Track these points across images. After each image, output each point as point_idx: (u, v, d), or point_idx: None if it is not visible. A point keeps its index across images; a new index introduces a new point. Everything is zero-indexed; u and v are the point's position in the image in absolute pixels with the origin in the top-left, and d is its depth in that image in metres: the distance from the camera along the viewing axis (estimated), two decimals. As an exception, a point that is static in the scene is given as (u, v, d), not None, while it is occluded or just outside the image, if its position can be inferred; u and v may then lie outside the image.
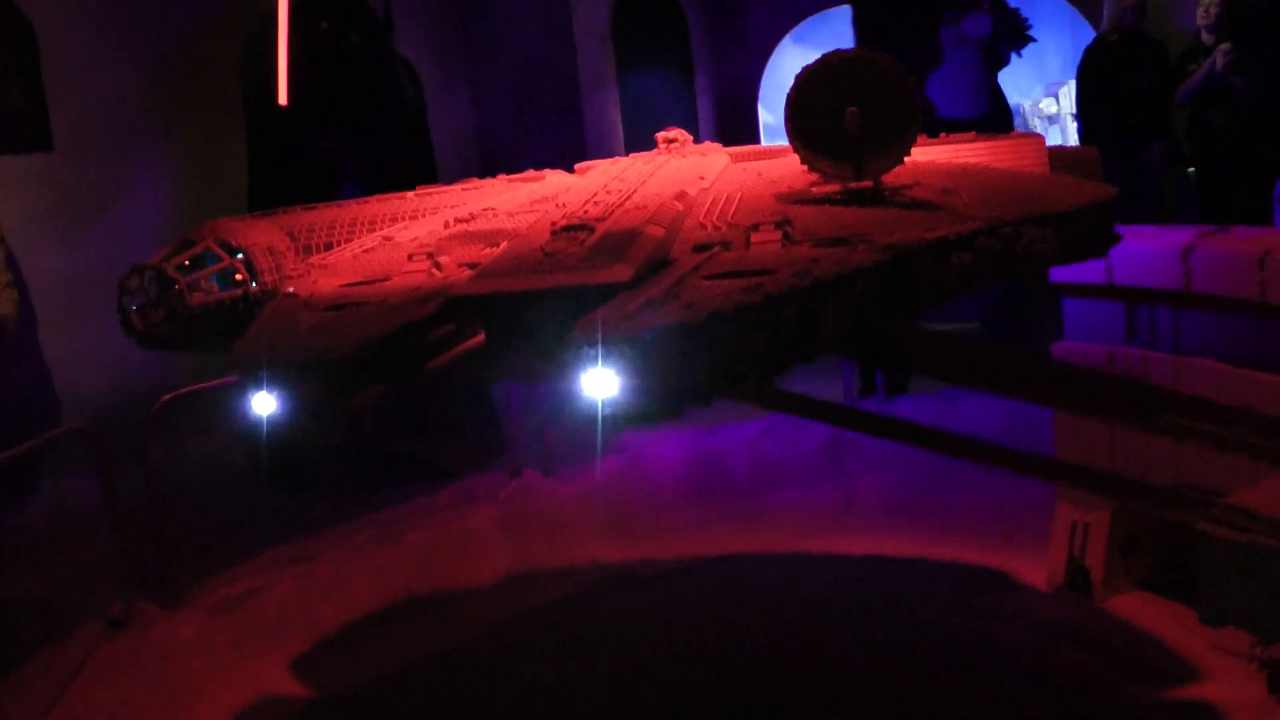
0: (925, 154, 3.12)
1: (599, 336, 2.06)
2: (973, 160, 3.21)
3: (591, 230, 2.54)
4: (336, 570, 4.72)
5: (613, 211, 2.71)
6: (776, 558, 5.14)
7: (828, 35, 9.40)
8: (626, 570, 5.05)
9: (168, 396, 4.41)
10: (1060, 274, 4.16)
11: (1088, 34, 8.76)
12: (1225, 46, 6.65)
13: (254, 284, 2.82)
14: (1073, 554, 4.47)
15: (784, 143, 2.98)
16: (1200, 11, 7.10)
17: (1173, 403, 3.02)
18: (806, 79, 2.77)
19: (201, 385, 4.61)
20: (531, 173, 3.54)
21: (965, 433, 3.58)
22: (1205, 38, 6.94)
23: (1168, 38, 7.76)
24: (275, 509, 5.57)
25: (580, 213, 2.71)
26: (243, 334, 2.56)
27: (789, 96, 2.79)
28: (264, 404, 2.42)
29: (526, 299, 2.33)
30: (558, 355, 2.23)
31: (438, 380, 2.60)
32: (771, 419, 6.10)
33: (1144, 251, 3.99)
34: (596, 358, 2.07)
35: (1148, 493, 3.56)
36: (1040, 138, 3.38)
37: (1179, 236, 3.96)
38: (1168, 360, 3.98)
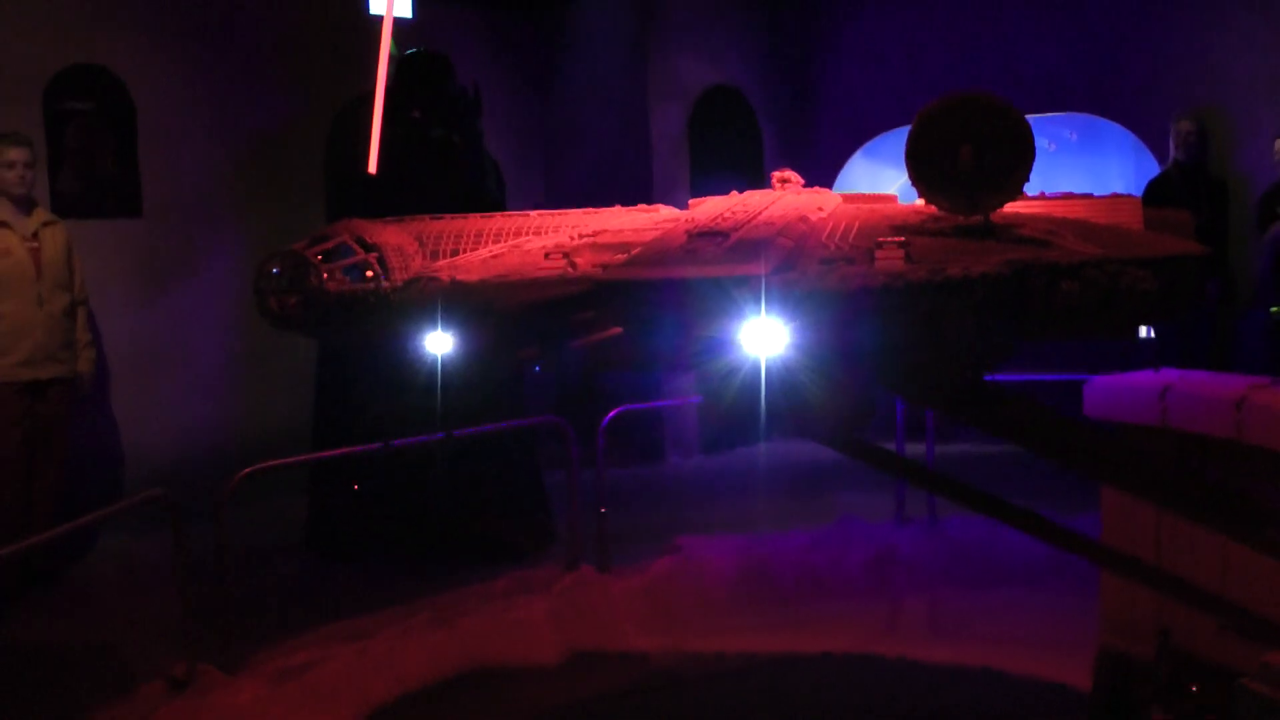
0: (1027, 207, 3.26)
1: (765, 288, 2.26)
2: (1073, 214, 3.34)
3: (727, 236, 2.72)
4: (391, 648, 4.85)
5: (743, 226, 2.89)
6: (821, 659, 5.24)
7: (897, 151, 9.53)
8: (674, 669, 5.14)
9: (247, 471, 4.57)
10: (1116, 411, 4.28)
11: (1149, 163, 8.94)
12: None
13: (385, 280, 3.01)
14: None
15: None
16: (1277, 154, 7.29)
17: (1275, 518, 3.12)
18: (925, 117, 2.94)
19: (278, 461, 4.76)
20: (644, 206, 3.70)
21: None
22: None
23: (1227, 175, 7.91)
24: (334, 582, 5.74)
25: (712, 224, 2.88)
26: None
27: (910, 134, 2.96)
28: (439, 341, 2.62)
29: (670, 285, 2.51)
30: (685, 348, 2.43)
31: (580, 362, 2.75)
32: (821, 531, 6.23)
33: (1198, 397, 4.09)
34: (760, 309, 2.28)
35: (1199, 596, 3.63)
36: (1137, 198, 3.50)
37: (1233, 387, 4.06)
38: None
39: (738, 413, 2.55)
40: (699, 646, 5.32)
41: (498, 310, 2.56)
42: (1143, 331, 10.32)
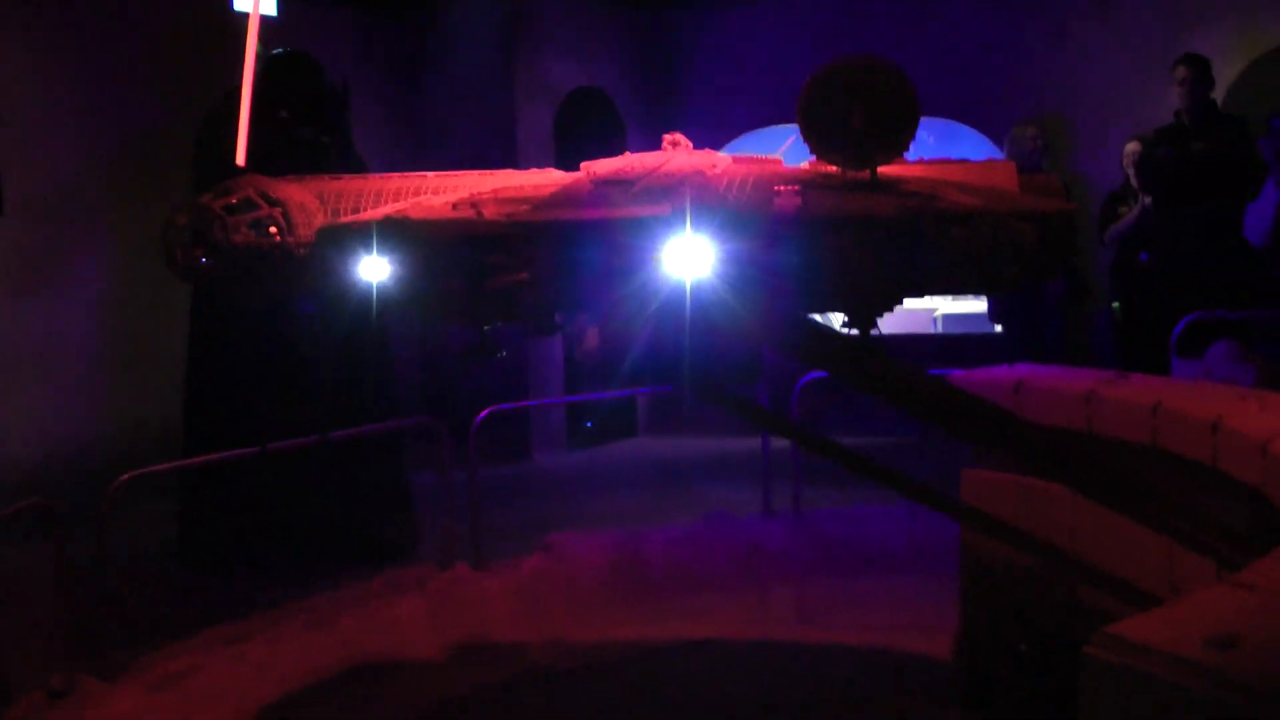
0: (908, 169, 3.43)
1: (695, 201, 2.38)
2: (951, 176, 3.52)
3: (632, 184, 2.84)
4: (270, 650, 4.87)
5: (645, 177, 3.00)
6: (694, 647, 5.40)
7: (760, 151, 9.75)
8: (551, 662, 5.24)
9: (127, 476, 4.55)
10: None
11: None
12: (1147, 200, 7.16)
13: (290, 235, 3.05)
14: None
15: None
16: (1125, 159, 7.67)
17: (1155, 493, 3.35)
18: (817, 77, 3.10)
19: (159, 467, 4.75)
20: (536, 169, 3.78)
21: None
22: (1133, 181, 7.47)
23: (1072, 180, 8.29)
24: (209, 587, 5.72)
25: (615, 175, 3.00)
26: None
27: (802, 92, 3.11)
28: (375, 267, 2.67)
29: (585, 225, 2.62)
30: (606, 283, 2.56)
31: (491, 310, 2.83)
32: (691, 525, 6.40)
33: (1050, 392, 4.33)
34: (685, 225, 2.41)
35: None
36: (1012, 163, 3.70)
37: (1082, 381, 4.31)
38: (1067, 494, 4.30)
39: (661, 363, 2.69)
40: (574, 639, 5.43)
41: (430, 238, 2.63)
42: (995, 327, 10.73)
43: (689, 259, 2.55)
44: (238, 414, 6.40)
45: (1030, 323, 7.87)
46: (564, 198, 2.85)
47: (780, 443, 6.91)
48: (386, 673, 5.04)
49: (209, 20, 8.27)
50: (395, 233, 2.74)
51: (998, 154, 9.57)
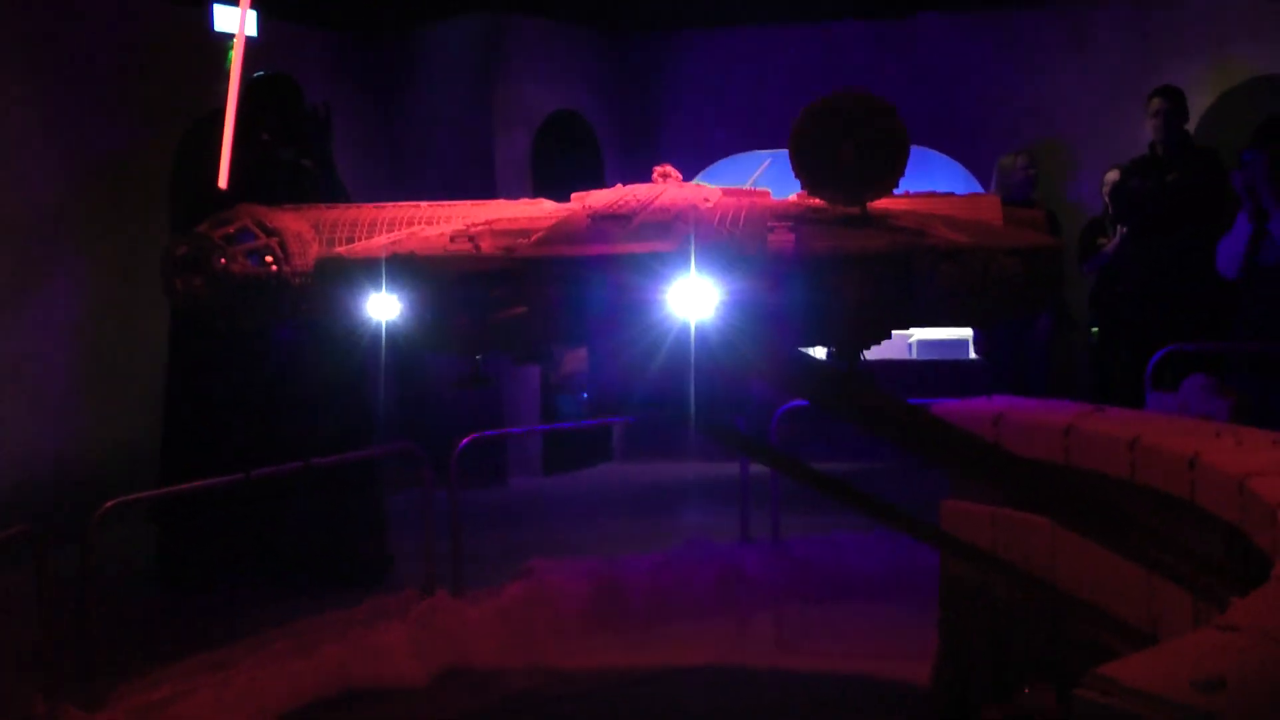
0: (895, 203, 3.49)
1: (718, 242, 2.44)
2: (938, 210, 3.58)
3: (630, 219, 2.90)
4: (253, 678, 4.87)
5: (641, 211, 3.05)
6: (675, 674, 5.44)
7: (736, 178, 9.86)
8: (533, 688, 5.27)
9: (111, 504, 4.55)
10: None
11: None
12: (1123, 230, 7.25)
13: (286, 265, 3.08)
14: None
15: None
16: (1104, 187, 7.77)
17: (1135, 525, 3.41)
18: (809, 113, 3.16)
19: (147, 494, 4.75)
20: (527, 200, 3.82)
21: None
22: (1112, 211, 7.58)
23: (1059, 209, 8.37)
24: (190, 613, 5.72)
25: (611, 209, 3.05)
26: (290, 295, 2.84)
27: (794, 129, 3.16)
28: (382, 305, 2.70)
29: (588, 262, 2.68)
30: (611, 318, 2.62)
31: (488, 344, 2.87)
32: (669, 552, 6.44)
33: (1030, 425, 4.40)
34: (689, 265, 2.48)
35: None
36: (996, 196, 3.75)
37: (1060, 415, 4.37)
38: (1047, 525, 4.37)
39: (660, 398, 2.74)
40: (557, 666, 5.46)
41: (437, 276, 2.68)
42: (971, 353, 10.83)
43: (693, 298, 2.61)
44: (216, 437, 6.41)
45: (1016, 354, 7.93)
46: (563, 232, 2.90)
47: (756, 469, 6.97)
48: (371, 700, 5.05)
49: (188, 41, 8.30)
50: (403, 269, 2.78)
51: (972, 181, 9.68)
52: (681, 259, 2.63)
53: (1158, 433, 3.96)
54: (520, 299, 2.76)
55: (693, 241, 2.67)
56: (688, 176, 10.76)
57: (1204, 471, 3.60)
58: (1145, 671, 2.05)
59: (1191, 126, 8.10)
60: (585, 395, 2.90)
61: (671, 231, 2.83)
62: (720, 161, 10.49)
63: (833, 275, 2.68)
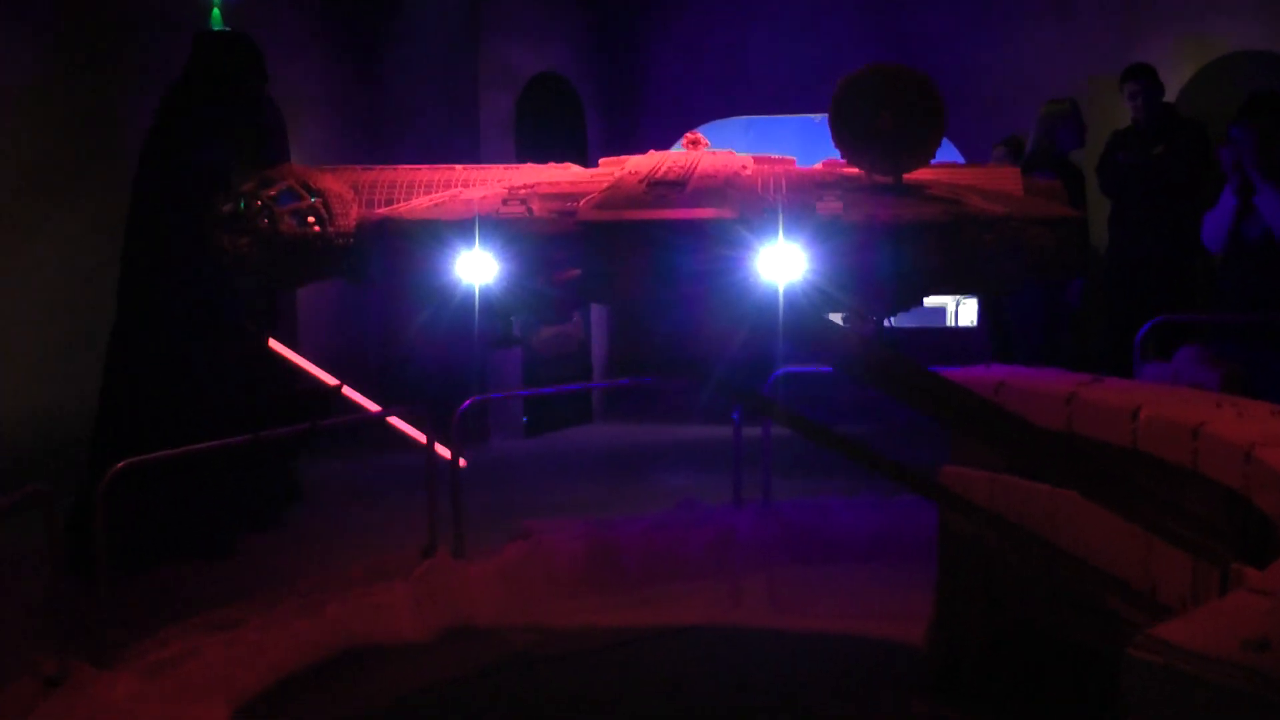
0: (922, 173, 3.56)
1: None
2: (961, 179, 3.66)
3: (683, 185, 2.97)
4: (260, 637, 4.93)
5: (691, 177, 3.12)
6: (672, 634, 5.55)
7: (719, 142, 9.90)
8: (534, 647, 5.36)
9: (122, 465, 4.57)
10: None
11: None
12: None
13: (330, 225, 3.13)
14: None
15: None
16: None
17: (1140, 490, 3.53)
18: (849, 84, 3.24)
19: (156, 455, 4.77)
20: (554, 164, 3.85)
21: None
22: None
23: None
24: (193, 573, 5.76)
25: (659, 176, 3.12)
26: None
27: (834, 99, 3.25)
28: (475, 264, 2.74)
29: (652, 225, 2.75)
30: (677, 280, 2.71)
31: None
32: (663, 513, 6.53)
33: (1031, 394, 4.50)
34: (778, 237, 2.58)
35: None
36: (1015, 169, 3.85)
37: (1062, 384, 4.47)
38: (1046, 490, 4.47)
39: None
40: (555, 625, 5.55)
41: (537, 236, 2.75)
42: (960, 318, 10.95)
43: (782, 263, 2.70)
44: (156, 401, 6.22)
45: (1047, 321, 7.85)
46: (622, 196, 2.96)
47: (747, 432, 7.05)
48: (375, 657, 5.13)
49: (167, 4, 8.23)
50: (502, 230, 2.84)
51: (952, 150, 9.76)
52: (769, 226, 2.71)
53: (1159, 403, 4.07)
54: (590, 261, 2.83)
55: (780, 209, 2.75)
56: (669, 140, 10.87)
57: (1207, 440, 3.71)
58: (1195, 633, 2.15)
59: (1171, 100, 8.21)
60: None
61: (726, 198, 2.90)
62: (703, 126, 10.51)
63: (887, 241, 2.78)
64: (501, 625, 5.51)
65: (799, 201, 2.97)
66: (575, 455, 9.08)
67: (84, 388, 7.81)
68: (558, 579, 5.86)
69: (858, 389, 4.40)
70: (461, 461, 5.83)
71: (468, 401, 6.06)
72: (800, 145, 11.68)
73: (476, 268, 2.92)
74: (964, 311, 11.32)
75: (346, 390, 7.13)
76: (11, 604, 5.24)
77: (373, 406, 7.16)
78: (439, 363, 8.64)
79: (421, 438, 6.01)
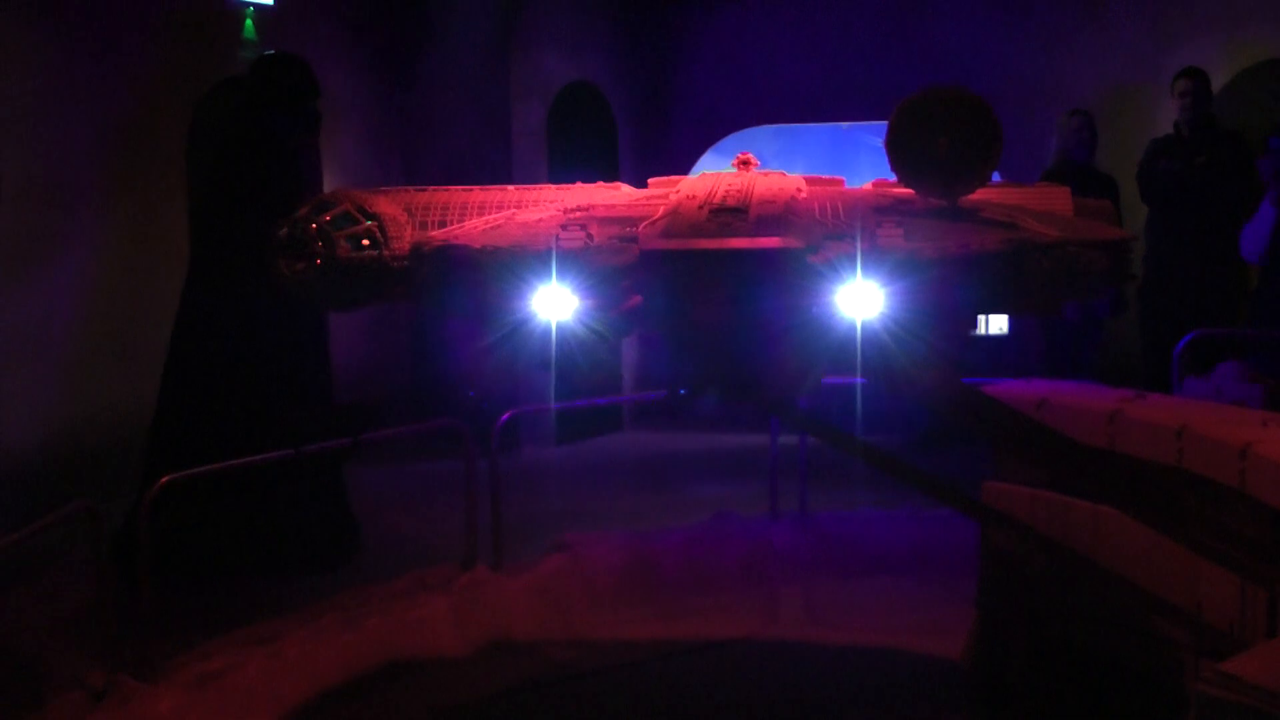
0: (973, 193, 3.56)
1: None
2: (1011, 200, 3.66)
3: (745, 212, 2.98)
4: (303, 650, 4.96)
5: (751, 204, 3.13)
6: (710, 648, 5.59)
7: (749, 150, 9.89)
8: (574, 661, 5.40)
9: (166, 479, 4.61)
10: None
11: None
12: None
13: (385, 249, 3.16)
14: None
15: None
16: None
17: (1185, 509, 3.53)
18: (906, 108, 3.25)
19: (200, 470, 4.81)
20: (603, 184, 3.85)
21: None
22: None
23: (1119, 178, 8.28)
24: (237, 587, 5.80)
25: (719, 202, 3.12)
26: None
27: (891, 123, 3.26)
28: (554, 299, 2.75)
29: (721, 255, 2.77)
30: (740, 311, 2.73)
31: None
32: (699, 525, 6.53)
33: (1074, 410, 4.49)
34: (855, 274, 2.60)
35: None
36: (1066, 188, 3.84)
37: (1105, 400, 4.47)
38: (1088, 508, 4.47)
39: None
40: (595, 639, 5.58)
41: (611, 269, 2.77)
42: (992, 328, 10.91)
43: (862, 303, 2.72)
44: (214, 413, 6.24)
45: (1076, 333, 7.84)
46: (684, 224, 2.98)
47: (782, 441, 7.05)
48: (417, 672, 5.15)
49: (203, 7, 8.28)
50: (567, 262, 2.86)
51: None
52: (842, 261, 2.72)
53: (1205, 422, 4.06)
54: (654, 291, 2.84)
55: (858, 244, 2.77)
56: (699, 150, 10.84)
57: (1255, 461, 3.70)
58: (1262, 668, 2.15)
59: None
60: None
61: (790, 226, 2.91)
62: (732, 135, 10.53)
63: (955, 272, 2.79)
64: (541, 639, 5.53)
65: (858, 229, 2.98)
66: (607, 464, 9.08)
67: (117, 397, 7.89)
68: (596, 592, 5.87)
69: (891, 400, 4.41)
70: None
71: (506, 414, 6.07)
72: (830, 153, 11.71)
73: (555, 303, 2.94)
74: (994, 320, 11.30)
75: None
76: (59, 618, 5.27)
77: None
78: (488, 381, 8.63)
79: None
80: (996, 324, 11.19)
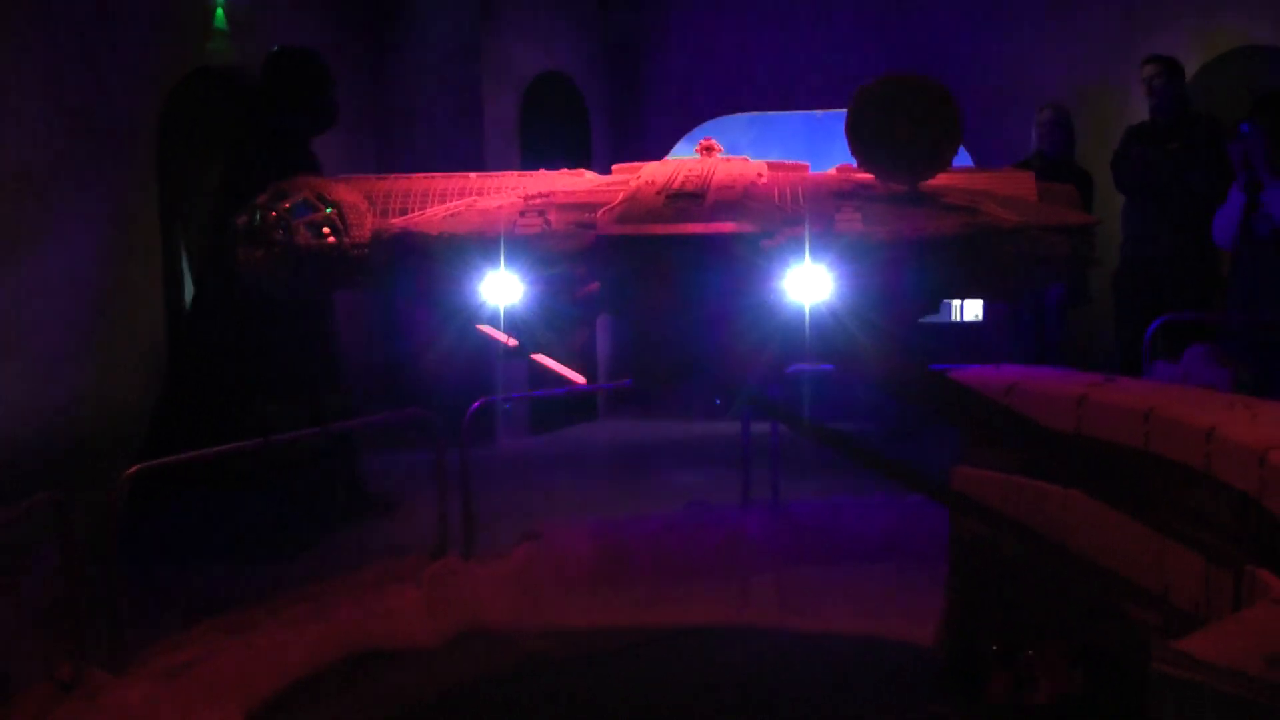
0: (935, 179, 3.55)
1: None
2: (975, 185, 3.66)
3: (701, 197, 2.97)
4: (273, 641, 4.94)
5: (709, 189, 3.12)
6: (685, 635, 5.60)
7: (722, 139, 9.89)
8: (547, 649, 5.39)
9: (136, 468, 4.58)
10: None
11: (963, 160, 9.47)
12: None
13: (345, 236, 3.14)
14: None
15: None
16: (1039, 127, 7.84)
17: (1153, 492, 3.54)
18: (866, 94, 3.25)
19: (173, 459, 4.78)
20: (566, 170, 3.83)
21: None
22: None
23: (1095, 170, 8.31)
24: (200, 578, 5.77)
25: (677, 187, 3.11)
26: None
27: (851, 109, 3.25)
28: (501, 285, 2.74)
29: (674, 240, 2.76)
30: (693, 296, 2.72)
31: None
32: (672, 513, 6.53)
33: (1042, 395, 4.51)
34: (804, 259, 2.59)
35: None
36: (1030, 173, 3.84)
37: (1073, 385, 4.48)
38: (1058, 492, 4.48)
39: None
40: (569, 627, 5.57)
41: (556, 252, 2.76)
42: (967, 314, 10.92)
43: (809, 288, 2.70)
44: (216, 401, 6.38)
45: (1037, 319, 7.89)
46: (641, 209, 2.97)
47: (754, 429, 7.05)
48: (388, 661, 5.13)
49: (169, 3, 8.23)
50: (522, 247, 2.85)
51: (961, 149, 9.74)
52: (795, 245, 2.71)
53: (1171, 404, 4.07)
54: (609, 275, 2.83)
55: (807, 227, 2.76)
56: (672, 139, 10.83)
57: (1221, 443, 3.72)
58: (1216, 646, 2.16)
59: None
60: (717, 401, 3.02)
61: (747, 211, 2.91)
62: (706, 124, 10.52)
63: (910, 256, 2.78)
64: (513, 628, 5.52)
65: (817, 213, 2.97)
66: (582, 453, 9.08)
67: (88, 389, 7.83)
68: (569, 580, 5.86)
69: (863, 389, 4.41)
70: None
71: (476, 403, 6.06)
72: (804, 141, 11.70)
73: (502, 289, 2.93)
74: (970, 306, 11.33)
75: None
76: (27, 609, 5.24)
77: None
78: (450, 367, 8.63)
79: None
80: (972, 310, 11.22)
